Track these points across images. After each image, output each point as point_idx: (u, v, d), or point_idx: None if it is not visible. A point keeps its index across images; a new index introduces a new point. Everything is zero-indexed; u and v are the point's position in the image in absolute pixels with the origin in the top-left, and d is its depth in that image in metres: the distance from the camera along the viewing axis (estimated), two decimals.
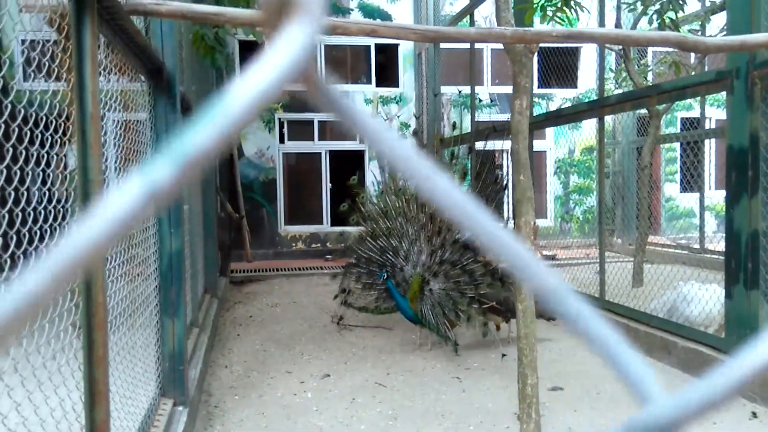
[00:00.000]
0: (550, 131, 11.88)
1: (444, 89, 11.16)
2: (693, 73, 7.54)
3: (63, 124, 2.19)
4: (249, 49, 10.94)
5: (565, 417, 3.97)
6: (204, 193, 6.58)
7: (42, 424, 2.05)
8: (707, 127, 10.42)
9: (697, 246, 9.84)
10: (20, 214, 1.86)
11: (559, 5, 4.67)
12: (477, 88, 9.74)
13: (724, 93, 4.70)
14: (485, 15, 10.69)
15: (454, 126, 10.39)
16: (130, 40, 2.75)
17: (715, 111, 11.41)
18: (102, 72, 2.44)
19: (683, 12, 6.67)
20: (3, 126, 1.78)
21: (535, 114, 7.62)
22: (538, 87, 11.59)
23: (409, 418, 4.00)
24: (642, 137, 10.26)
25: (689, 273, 7.27)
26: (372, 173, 10.67)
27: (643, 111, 9.14)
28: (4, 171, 1.78)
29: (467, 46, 9.25)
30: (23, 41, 2.06)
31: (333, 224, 11.25)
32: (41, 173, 2.04)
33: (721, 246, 6.24)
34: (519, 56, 3.16)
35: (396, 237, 5.92)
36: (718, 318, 5.11)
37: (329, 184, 11.65)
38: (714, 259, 8.26)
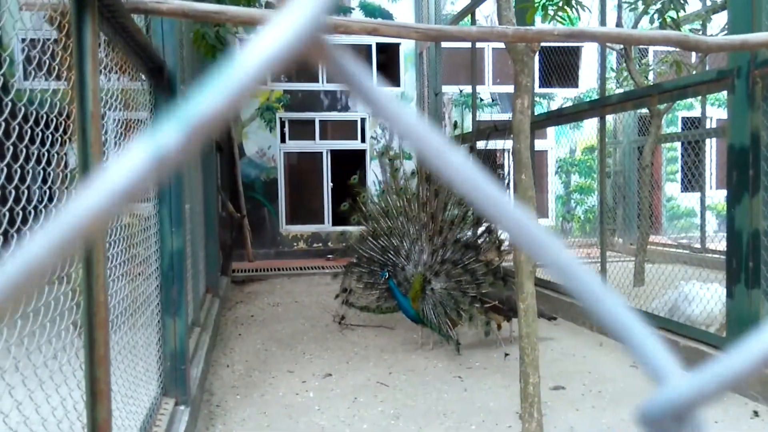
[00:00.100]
0: (551, 131, 11.86)
1: (445, 88, 11.16)
2: (694, 73, 7.53)
3: (63, 123, 2.19)
4: None
5: (567, 416, 3.96)
6: (205, 192, 6.58)
7: (43, 423, 2.04)
8: (708, 126, 10.41)
9: (698, 245, 9.83)
10: (21, 213, 1.86)
11: (560, 4, 4.66)
12: (478, 88, 9.75)
13: (725, 92, 4.70)
14: (486, 14, 10.69)
15: (455, 125, 10.40)
16: (131, 39, 2.75)
17: (716, 110, 11.40)
18: (103, 70, 2.44)
19: (684, 11, 6.67)
20: (3, 124, 1.77)
21: (536, 113, 7.61)
22: (540, 86, 11.59)
23: (411, 417, 4.00)
24: (643, 137, 10.24)
25: (690, 272, 7.25)
26: (373, 172, 10.68)
27: (644, 110, 9.13)
28: (5, 169, 1.77)
29: (468, 45, 9.26)
30: (23, 39, 2.05)
31: (334, 224, 11.24)
32: (42, 172, 2.03)
33: (722, 245, 6.23)
34: (520, 55, 3.15)
35: (397, 236, 5.91)
36: (719, 317, 5.10)
37: (330, 184, 11.64)
38: (715, 259, 8.26)
